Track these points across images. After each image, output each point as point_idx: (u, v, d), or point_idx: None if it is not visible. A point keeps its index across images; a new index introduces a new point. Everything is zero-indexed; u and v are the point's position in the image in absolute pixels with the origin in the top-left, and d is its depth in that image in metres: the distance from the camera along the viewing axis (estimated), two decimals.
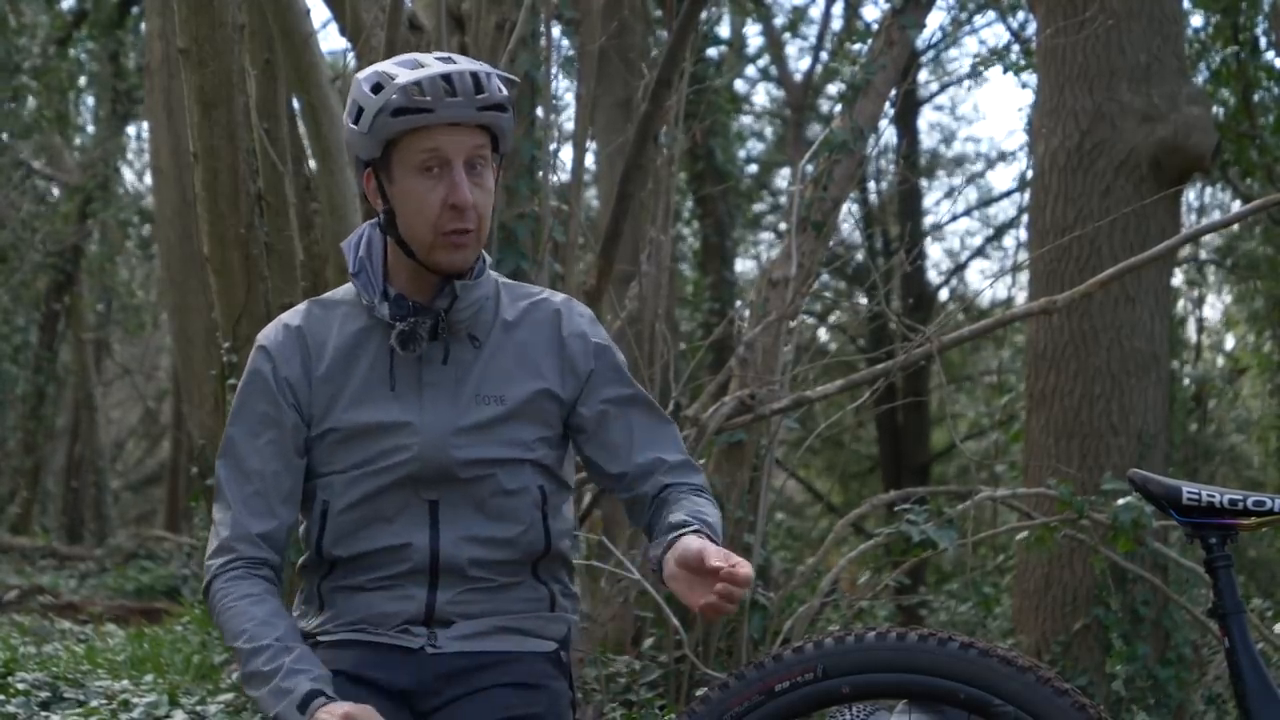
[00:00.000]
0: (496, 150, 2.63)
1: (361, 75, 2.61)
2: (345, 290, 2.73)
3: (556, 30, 6.54)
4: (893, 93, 6.79)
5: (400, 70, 2.55)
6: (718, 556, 2.37)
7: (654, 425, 2.73)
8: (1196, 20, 10.12)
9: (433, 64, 2.56)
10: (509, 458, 2.64)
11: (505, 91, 2.58)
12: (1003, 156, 18.62)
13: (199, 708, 5.07)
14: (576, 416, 2.71)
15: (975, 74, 15.83)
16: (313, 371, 2.66)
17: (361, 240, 2.70)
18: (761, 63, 17.57)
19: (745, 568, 2.35)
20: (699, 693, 4.39)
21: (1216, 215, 12.78)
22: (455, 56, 2.60)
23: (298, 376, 2.66)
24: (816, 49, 16.99)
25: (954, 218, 18.01)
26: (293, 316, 2.72)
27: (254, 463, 2.64)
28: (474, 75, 2.54)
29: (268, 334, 2.71)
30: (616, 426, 2.69)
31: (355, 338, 2.67)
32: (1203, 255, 13.43)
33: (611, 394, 2.71)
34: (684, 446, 2.78)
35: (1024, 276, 9.56)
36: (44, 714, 4.88)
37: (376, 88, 2.55)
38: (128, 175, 18.02)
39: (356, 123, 2.57)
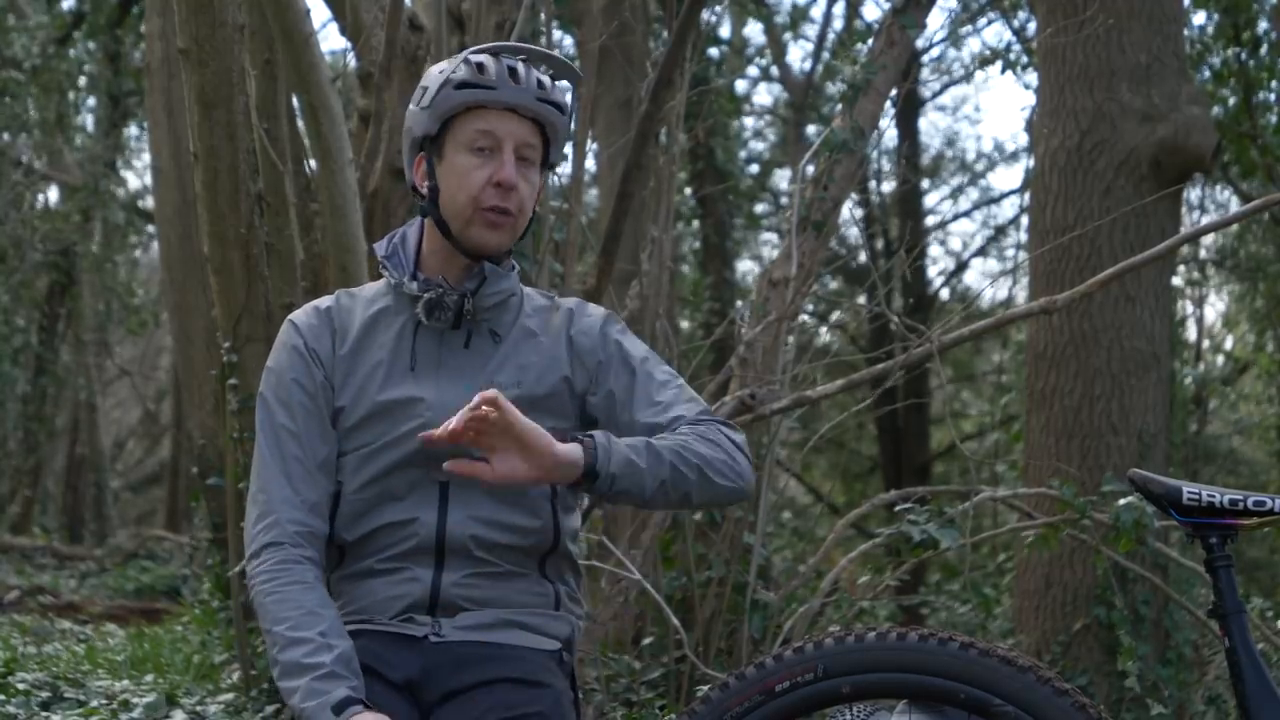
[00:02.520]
0: (546, 155, 2.74)
1: (435, 66, 2.74)
2: (372, 285, 2.81)
3: (557, 30, 6.54)
4: (893, 93, 6.79)
5: (472, 54, 2.68)
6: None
7: (660, 393, 2.73)
8: (1198, 19, 10.13)
9: (504, 56, 2.69)
10: None
11: (565, 96, 2.71)
12: (1004, 157, 18.62)
13: (199, 708, 5.08)
14: (589, 407, 2.75)
15: (974, 70, 15.81)
16: (338, 350, 2.72)
17: (395, 235, 2.79)
18: (762, 62, 17.57)
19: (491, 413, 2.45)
20: (699, 693, 4.39)
21: (1217, 215, 12.78)
22: (527, 54, 2.72)
23: (326, 351, 2.72)
24: (817, 49, 16.99)
25: (954, 217, 18.02)
26: (323, 300, 2.80)
27: (290, 424, 2.68)
28: (539, 78, 2.68)
29: (298, 314, 2.79)
30: (622, 406, 2.72)
31: (380, 322, 2.73)
32: (1203, 255, 13.43)
33: (619, 381, 2.73)
34: (698, 401, 2.76)
35: (1024, 276, 9.56)
36: (44, 714, 4.88)
37: (444, 69, 2.68)
38: (128, 175, 18.02)
39: (420, 102, 2.69)
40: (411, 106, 2.72)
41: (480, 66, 2.65)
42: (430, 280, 2.70)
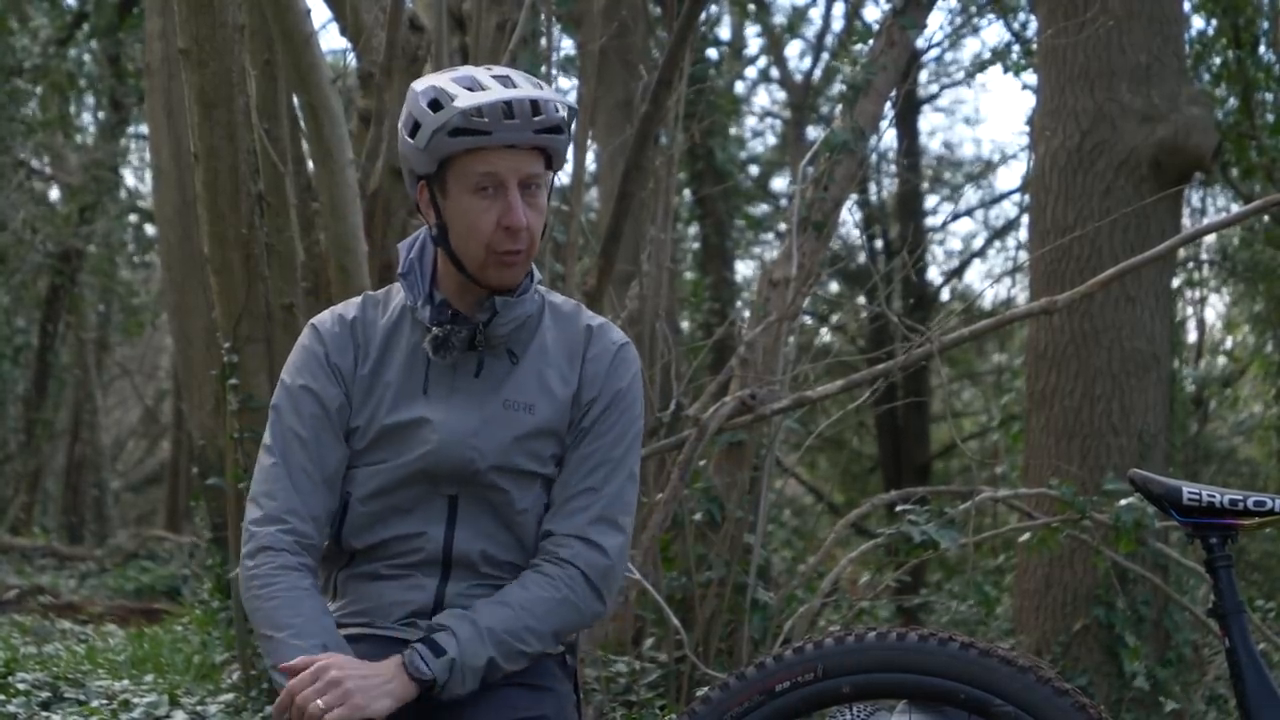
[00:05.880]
0: (550, 167, 2.64)
1: (419, 88, 2.59)
2: (398, 289, 2.73)
3: (556, 30, 6.53)
4: (893, 93, 6.79)
5: (460, 90, 2.54)
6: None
7: (593, 485, 2.66)
8: (1198, 22, 10.13)
9: (493, 86, 2.55)
10: (525, 469, 2.65)
11: (561, 112, 2.58)
12: (1003, 160, 18.61)
13: (199, 708, 5.08)
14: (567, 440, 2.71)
15: (976, 72, 15.80)
16: (359, 368, 2.68)
17: (416, 243, 2.71)
18: (761, 63, 17.58)
19: None
20: (699, 693, 4.39)
21: (1217, 217, 12.77)
22: (514, 76, 2.59)
23: (348, 366, 2.67)
24: (817, 50, 16.99)
25: (955, 217, 18.01)
26: (347, 309, 2.74)
27: (302, 431, 2.63)
28: (532, 101, 2.54)
29: (323, 319, 2.73)
30: (572, 463, 2.67)
31: (398, 338, 2.69)
32: (1203, 256, 13.42)
33: (593, 439, 2.67)
34: (612, 525, 2.67)
35: (1025, 276, 9.56)
36: (44, 714, 4.88)
37: (435, 105, 2.55)
38: (128, 176, 18.00)
39: (413, 137, 2.58)
40: (404, 134, 2.60)
41: (475, 110, 2.51)
42: (444, 308, 2.64)
